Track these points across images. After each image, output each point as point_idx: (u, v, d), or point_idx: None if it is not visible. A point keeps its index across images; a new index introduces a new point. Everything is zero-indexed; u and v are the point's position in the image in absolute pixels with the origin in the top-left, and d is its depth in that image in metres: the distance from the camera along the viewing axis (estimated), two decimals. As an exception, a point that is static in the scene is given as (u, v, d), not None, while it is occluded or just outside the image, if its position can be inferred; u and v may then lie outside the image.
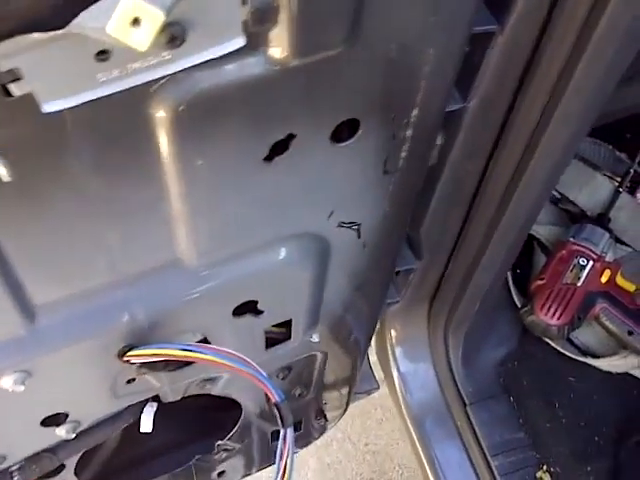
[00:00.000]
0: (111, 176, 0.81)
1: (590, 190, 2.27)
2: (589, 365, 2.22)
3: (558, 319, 2.10)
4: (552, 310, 2.10)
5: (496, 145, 1.35)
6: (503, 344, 2.28)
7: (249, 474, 1.99)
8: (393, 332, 2.13)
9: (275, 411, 1.11)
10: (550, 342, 2.25)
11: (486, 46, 1.09)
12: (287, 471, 1.11)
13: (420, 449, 2.18)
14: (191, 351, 1.03)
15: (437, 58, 0.88)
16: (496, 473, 2.05)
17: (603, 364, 2.21)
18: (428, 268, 1.73)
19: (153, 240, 0.94)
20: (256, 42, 0.74)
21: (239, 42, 0.70)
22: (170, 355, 1.04)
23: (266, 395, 1.54)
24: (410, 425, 2.20)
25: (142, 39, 0.58)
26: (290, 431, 1.11)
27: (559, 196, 2.28)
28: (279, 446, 1.12)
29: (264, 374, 1.07)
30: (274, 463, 1.96)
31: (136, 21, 0.57)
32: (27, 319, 0.93)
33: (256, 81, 0.77)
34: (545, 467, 2.12)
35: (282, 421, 1.11)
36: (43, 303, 0.93)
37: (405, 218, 1.28)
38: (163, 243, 0.95)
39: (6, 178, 0.70)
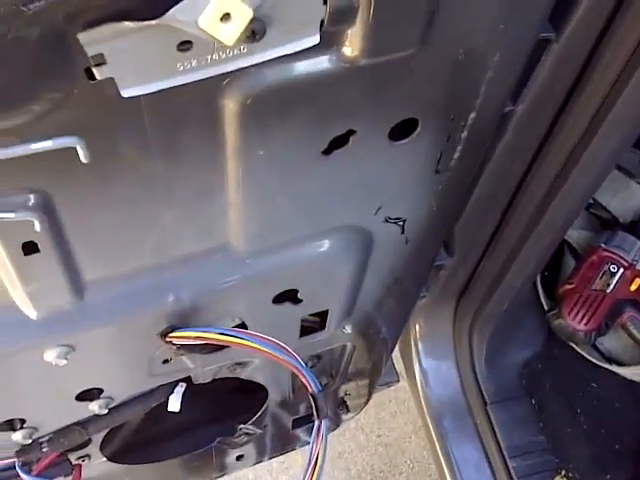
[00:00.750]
0: (176, 161, 0.82)
1: (623, 197, 2.26)
2: (613, 372, 2.23)
3: (586, 324, 2.10)
4: (580, 315, 2.10)
5: (540, 150, 1.35)
6: (528, 346, 2.28)
7: (261, 461, 2.01)
8: (417, 327, 2.14)
9: (311, 401, 1.12)
10: (575, 347, 2.25)
11: (541, 53, 1.09)
12: (319, 463, 1.11)
13: (437, 446, 2.18)
14: (236, 337, 1.04)
15: (501, 64, 0.89)
16: (514, 475, 2.04)
17: (627, 372, 2.22)
18: (459, 265, 1.73)
19: (206, 225, 0.96)
20: (329, 40, 0.75)
21: (314, 40, 0.71)
22: (214, 339, 1.05)
23: (292, 383, 1.57)
24: (428, 421, 2.20)
25: (230, 33, 0.60)
26: (325, 422, 1.12)
27: (592, 201, 2.27)
28: (312, 437, 1.12)
29: (303, 364, 1.08)
30: (289, 451, 2.00)
31: (227, 16, 0.59)
32: (77, 294, 0.95)
33: (324, 78, 0.78)
34: (564, 472, 2.12)
35: (317, 412, 1.12)
36: (93, 279, 0.95)
37: (449, 217, 1.29)
38: (215, 228, 0.97)
39: (85, 159, 0.71)
